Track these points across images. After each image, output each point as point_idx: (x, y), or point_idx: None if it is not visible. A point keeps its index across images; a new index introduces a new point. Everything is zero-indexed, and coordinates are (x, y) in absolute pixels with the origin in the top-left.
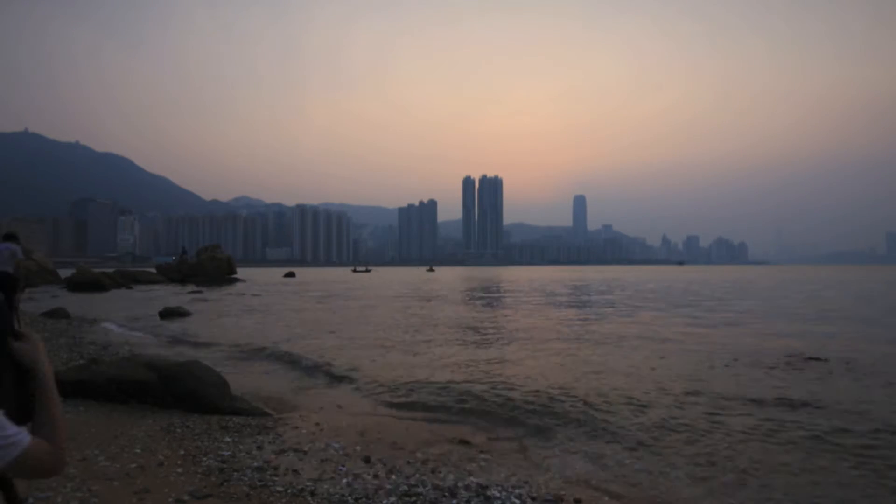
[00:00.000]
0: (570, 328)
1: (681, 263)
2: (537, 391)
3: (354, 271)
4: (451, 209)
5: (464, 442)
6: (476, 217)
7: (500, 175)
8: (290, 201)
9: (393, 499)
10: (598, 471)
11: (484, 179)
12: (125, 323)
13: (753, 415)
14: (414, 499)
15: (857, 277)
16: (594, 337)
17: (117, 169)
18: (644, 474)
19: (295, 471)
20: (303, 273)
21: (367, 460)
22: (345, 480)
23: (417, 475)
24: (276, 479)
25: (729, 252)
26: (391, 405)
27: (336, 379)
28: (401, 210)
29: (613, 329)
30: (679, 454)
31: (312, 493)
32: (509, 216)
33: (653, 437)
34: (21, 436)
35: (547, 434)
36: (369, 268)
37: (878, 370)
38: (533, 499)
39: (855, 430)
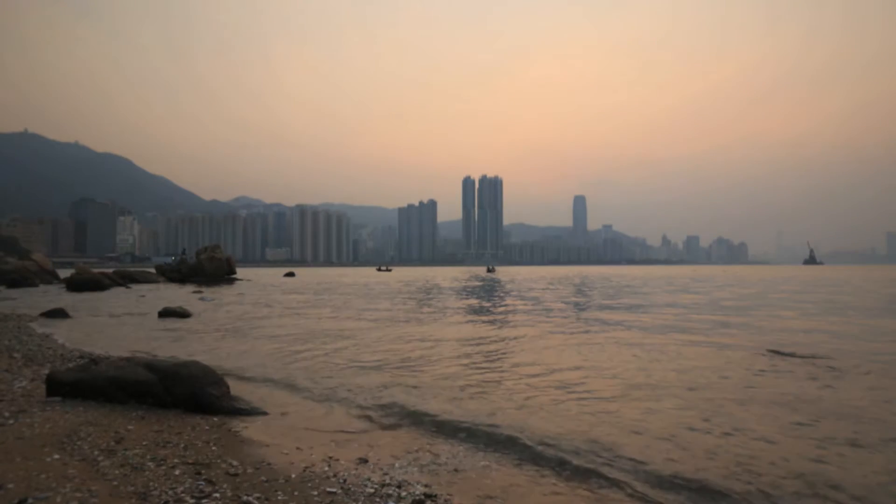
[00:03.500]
0: None
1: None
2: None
3: (378, 270)
4: (451, 209)
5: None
6: (476, 217)
7: (500, 175)
8: (289, 201)
9: (391, 502)
10: None
11: (484, 179)
12: (123, 324)
13: None
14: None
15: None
16: None
17: (117, 169)
18: None
19: (298, 466)
20: (303, 273)
21: (363, 461)
22: (342, 478)
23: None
24: (279, 479)
25: (729, 252)
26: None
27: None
28: (401, 210)
29: None
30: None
31: (313, 492)
32: (509, 216)
33: None
34: None
35: None
36: (390, 267)
37: None
38: None
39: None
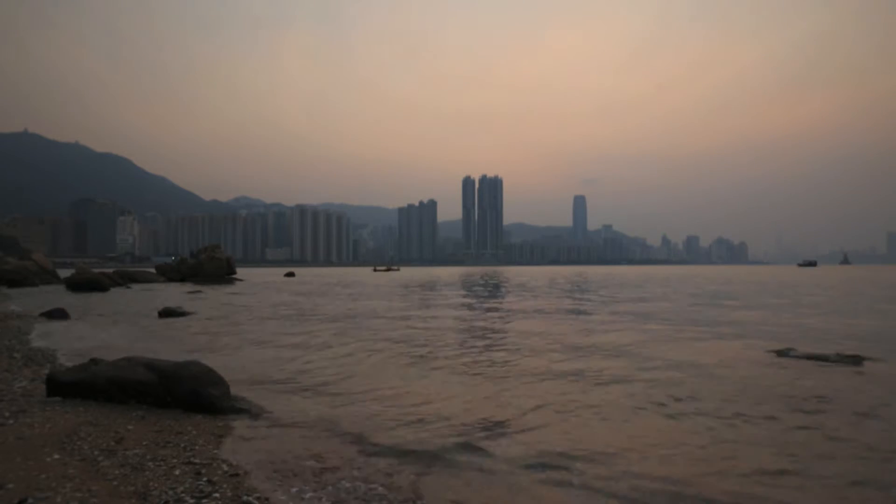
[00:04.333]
0: None
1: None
2: None
3: (375, 270)
4: (451, 209)
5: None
6: (476, 217)
7: (500, 175)
8: (289, 201)
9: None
10: None
11: (484, 179)
12: (123, 323)
13: None
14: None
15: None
16: None
17: (117, 169)
18: None
19: (298, 467)
20: (304, 273)
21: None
22: (341, 478)
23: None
24: (281, 480)
25: (729, 252)
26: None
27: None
28: (401, 210)
29: None
30: None
31: (310, 493)
32: (509, 216)
33: None
34: None
35: None
36: (397, 267)
37: None
38: None
39: None
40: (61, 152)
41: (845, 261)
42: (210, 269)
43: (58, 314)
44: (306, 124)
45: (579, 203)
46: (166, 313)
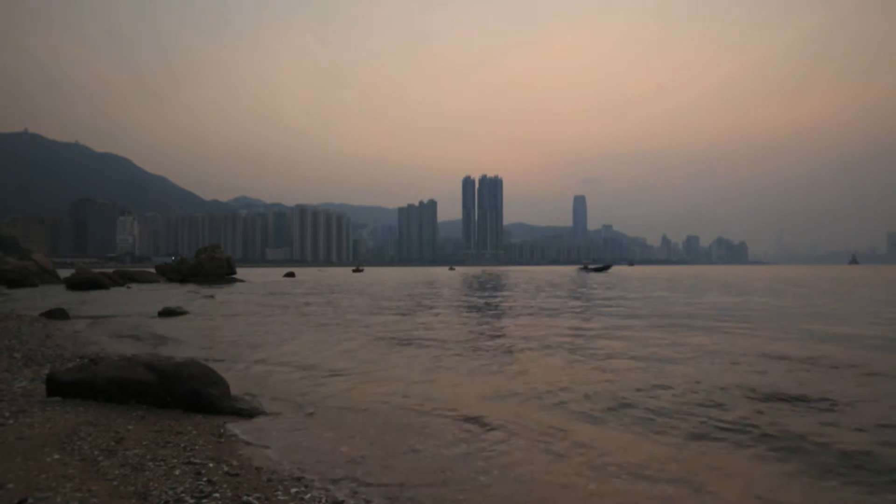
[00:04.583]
0: None
1: (631, 264)
2: None
3: (354, 271)
4: (451, 209)
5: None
6: (476, 217)
7: (500, 175)
8: (289, 201)
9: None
10: None
11: (484, 179)
12: (123, 323)
13: None
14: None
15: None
16: None
17: (117, 169)
18: None
19: (298, 467)
20: (304, 273)
21: (363, 460)
22: (341, 478)
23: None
24: (281, 481)
25: (729, 252)
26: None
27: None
28: (401, 210)
29: None
30: None
31: (309, 494)
32: (509, 216)
33: None
34: None
35: None
36: (362, 267)
37: None
38: None
39: None
40: (61, 152)
41: (854, 261)
42: (210, 269)
43: (58, 314)
44: (306, 124)
45: (579, 203)
46: (166, 313)
